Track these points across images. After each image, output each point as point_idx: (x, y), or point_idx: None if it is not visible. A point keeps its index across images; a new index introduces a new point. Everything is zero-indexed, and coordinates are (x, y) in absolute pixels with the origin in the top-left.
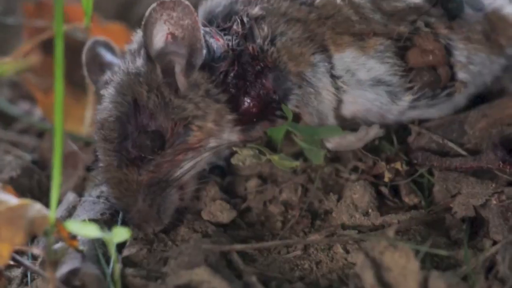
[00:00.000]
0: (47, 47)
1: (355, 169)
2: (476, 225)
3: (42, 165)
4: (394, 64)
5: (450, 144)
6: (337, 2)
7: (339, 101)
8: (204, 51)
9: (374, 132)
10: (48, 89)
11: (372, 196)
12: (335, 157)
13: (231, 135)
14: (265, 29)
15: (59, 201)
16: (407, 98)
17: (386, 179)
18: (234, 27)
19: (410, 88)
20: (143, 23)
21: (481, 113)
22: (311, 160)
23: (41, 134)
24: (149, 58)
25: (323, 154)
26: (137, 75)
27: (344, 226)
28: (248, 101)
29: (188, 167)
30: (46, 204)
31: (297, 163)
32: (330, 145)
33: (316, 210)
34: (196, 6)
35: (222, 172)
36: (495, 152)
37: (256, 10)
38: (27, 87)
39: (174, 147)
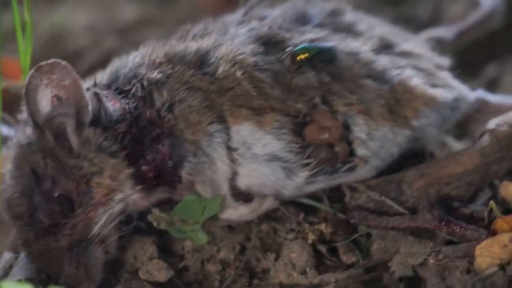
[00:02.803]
0: None
1: (292, 229)
2: (413, 284)
3: None
4: (290, 141)
5: (388, 201)
6: (237, 75)
7: (234, 173)
8: (90, 108)
9: (268, 204)
10: None
11: (310, 254)
12: (274, 216)
13: (133, 193)
14: (165, 94)
15: None
16: (303, 174)
17: (309, 241)
18: (133, 90)
19: (307, 165)
20: (23, 91)
21: (419, 172)
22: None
23: None
24: (36, 125)
25: (205, 237)
26: (29, 145)
27: (282, 285)
28: (144, 165)
29: (103, 221)
30: None
31: (204, 239)
32: (222, 216)
33: (254, 269)
34: None
35: (159, 230)
36: (431, 211)
37: (155, 74)
38: None
39: (83, 206)
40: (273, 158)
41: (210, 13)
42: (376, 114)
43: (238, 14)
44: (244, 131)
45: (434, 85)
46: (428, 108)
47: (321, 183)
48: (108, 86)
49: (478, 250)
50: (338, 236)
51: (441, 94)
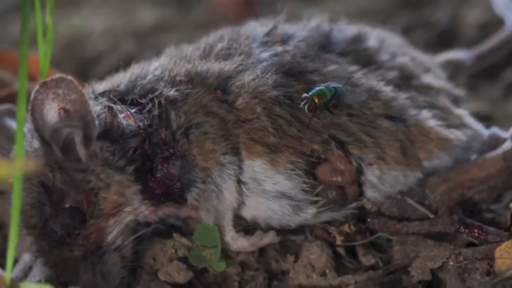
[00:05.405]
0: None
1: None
2: (433, 286)
3: None
4: (302, 182)
5: (410, 201)
6: (257, 109)
7: (241, 203)
8: (97, 122)
9: (269, 239)
10: None
11: (329, 256)
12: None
13: (142, 207)
14: (182, 117)
15: (15, 262)
16: (311, 211)
17: (338, 242)
18: (149, 106)
19: (315, 202)
20: (29, 108)
21: (441, 177)
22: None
23: None
24: (43, 140)
25: (224, 265)
26: (36, 158)
27: (301, 287)
28: (152, 182)
29: (116, 231)
30: (1, 265)
31: (222, 267)
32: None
33: (273, 271)
34: None
35: (180, 233)
36: (450, 216)
37: (172, 93)
38: None
39: (94, 217)
40: (282, 195)
41: (229, 18)
42: (390, 157)
43: (262, 28)
44: (256, 168)
45: (449, 126)
46: (442, 150)
47: (327, 217)
48: (124, 93)
49: (498, 252)
50: (357, 238)
51: (455, 136)
